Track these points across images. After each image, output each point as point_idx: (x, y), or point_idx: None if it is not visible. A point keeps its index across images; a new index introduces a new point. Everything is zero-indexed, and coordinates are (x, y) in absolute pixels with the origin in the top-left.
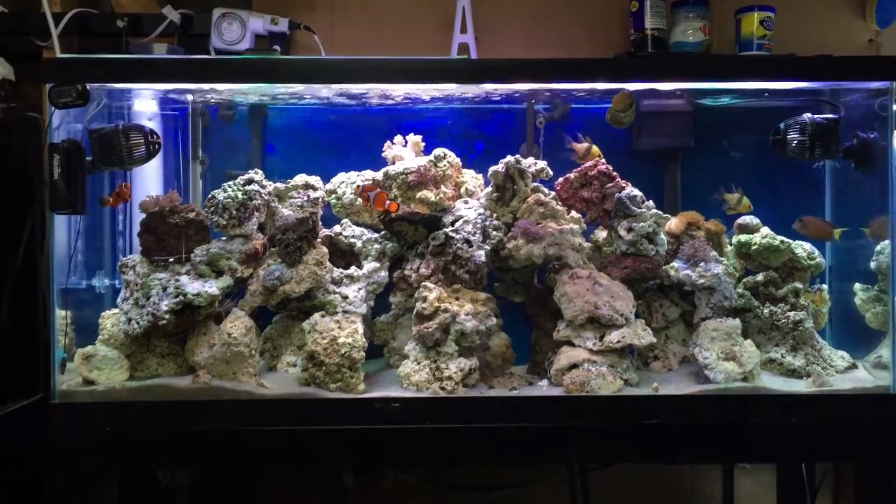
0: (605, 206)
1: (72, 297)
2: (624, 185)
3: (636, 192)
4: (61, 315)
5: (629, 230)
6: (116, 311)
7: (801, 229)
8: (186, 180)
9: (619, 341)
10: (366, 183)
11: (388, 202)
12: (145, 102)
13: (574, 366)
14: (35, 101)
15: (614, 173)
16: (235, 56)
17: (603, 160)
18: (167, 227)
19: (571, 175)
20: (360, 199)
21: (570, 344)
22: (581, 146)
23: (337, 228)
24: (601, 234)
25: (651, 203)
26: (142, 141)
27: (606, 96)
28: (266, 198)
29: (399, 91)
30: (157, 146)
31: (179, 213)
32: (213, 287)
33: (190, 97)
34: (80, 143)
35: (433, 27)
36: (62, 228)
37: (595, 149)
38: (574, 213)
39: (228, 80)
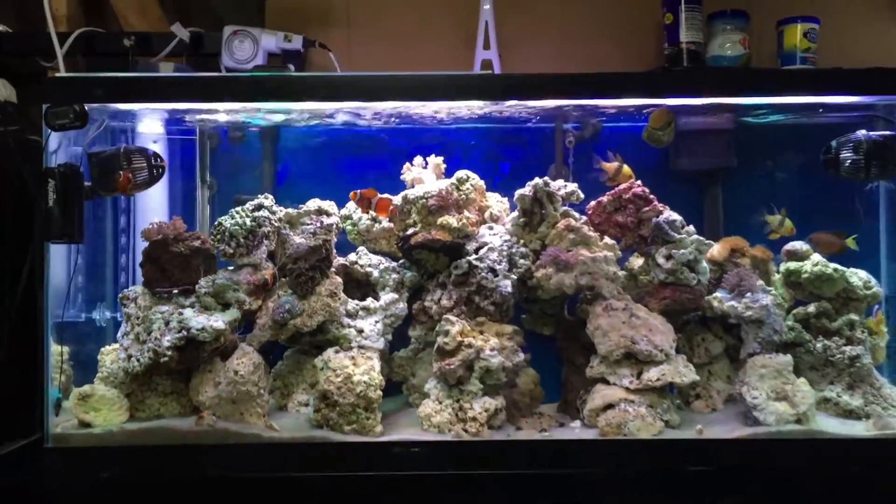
0: (641, 231)
1: (70, 332)
2: (661, 208)
3: (675, 216)
4: (57, 351)
5: (668, 258)
6: (116, 346)
7: (815, 248)
8: (193, 206)
9: (658, 379)
10: (364, 190)
11: (391, 208)
12: (150, 124)
13: (609, 406)
14: (40, 124)
15: (651, 196)
16: (243, 73)
17: (638, 182)
18: (171, 256)
19: (604, 198)
20: (358, 210)
21: (605, 381)
22: (611, 166)
23: (352, 257)
24: (637, 262)
25: (691, 228)
26: (144, 165)
27: (641, 114)
28: (276, 224)
29: (419, 110)
30: (160, 170)
31: (184, 241)
32: (218, 321)
33: (198, 118)
34: (78, 167)
35: (455, 44)
36: (61, 258)
37: (627, 169)
38: (608, 240)
39: (235, 99)
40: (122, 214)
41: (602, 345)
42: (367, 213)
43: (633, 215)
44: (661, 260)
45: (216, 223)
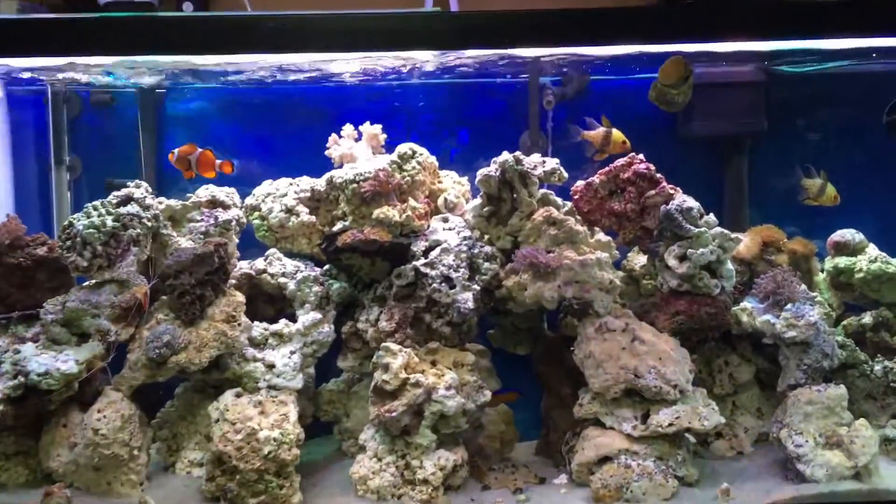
0: (645, 222)
1: None
2: (672, 191)
3: (691, 202)
4: None
5: (682, 258)
6: None
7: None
8: (47, 196)
9: (670, 424)
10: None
11: (218, 162)
12: None
13: (606, 459)
14: None
15: (657, 175)
16: (96, 15)
17: (640, 156)
18: (5, 270)
19: (595, 179)
20: (269, 198)
21: (599, 424)
22: (596, 134)
23: (260, 263)
24: (638, 260)
25: (712, 218)
26: None
27: (642, 63)
28: (150, 224)
29: (348, 65)
30: None
31: (23, 248)
32: (69, 361)
33: (51, 76)
34: None
35: None
36: None
37: (618, 134)
38: (601, 235)
39: (90, 50)
40: None
41: (595, 378)
42: (190, 175)
43: (635, 201)
44: (672, 261)
45: (65, 224)
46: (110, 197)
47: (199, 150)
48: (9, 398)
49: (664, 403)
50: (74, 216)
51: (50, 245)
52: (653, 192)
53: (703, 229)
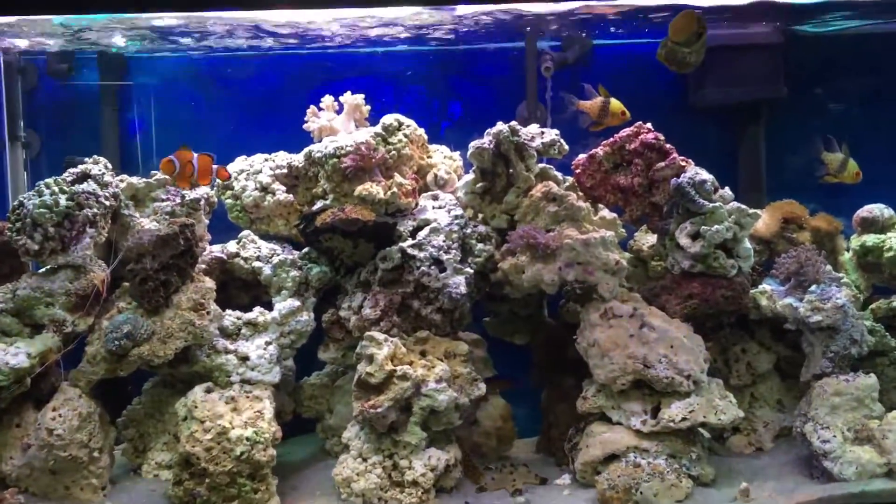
0: (654, 197)
1: None
2: (683, 163)
3: (704, 174)
4: None
5: (695, 236)
6: None
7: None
8: (1, 175)
9: (684, 419)
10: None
11: (215, 168)
12: None
13: (613, 457)
14: None
15: (667, 146)
16: None
17: (648, 125)
18: None
19: (599, 150)
20: (243, 176)
21: (605, 419)
22: (593, 104)
23: (232, 246)
24: (646, 240)
25: (728, 192)
26: None
27: (647, 23)
28: (109, 203)
29: (328, 24)
30: None
31: None
32: (20, 355)
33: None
34: None
35: None
36: None
37: (616, 104)
38: (605, 212)
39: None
40: None
41: (600, 368)
42: (187, 185)
43: (642, 174)
44: (684, 240)
45: (15, 204)
46: (65, 174)
47: (196, 154)
48: None
49: (676, 396)
50: (25, 195)
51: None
52: (662, 164)
53: (717, 204)
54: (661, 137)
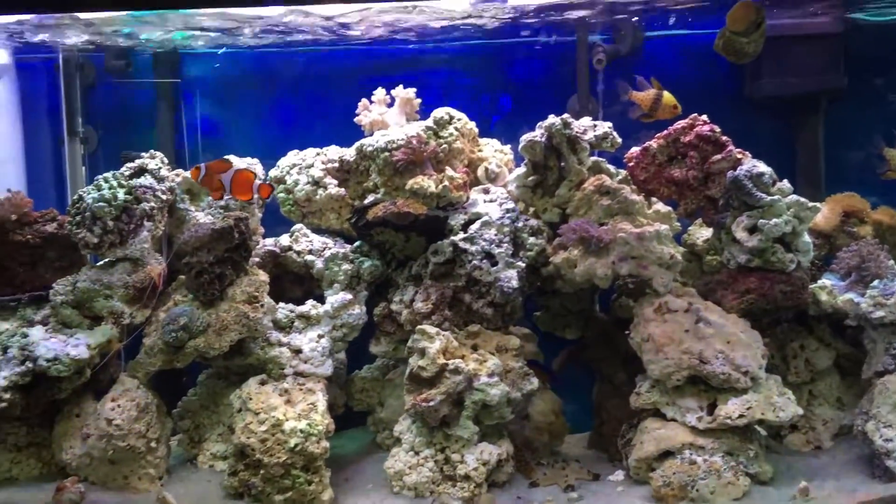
0: (709, 190)
1: None
2: (740, 156)
3: (762, 167)
4: None
5: (752, 230)
6: None
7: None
8: (60, 170)
9: (741, 416)
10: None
11: (257, 184)
12: None
13: (668, 454)
14: None
15: (723, 138)
16: None
17: (703, 117)
18: (12, 247)
19: (653, 143)
20: (295, 170)
21: (659, 415)
22: (645, 95)
23: (285, 240)
24: (700, 234)
25: (786, 185)
26: None
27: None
28: (166, 197)
29: (379, 16)
30: None
31: (31, 224)
32: (80, 346)
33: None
34: None
35: None
36: None
37: (669, 97)
38: (660, 205)
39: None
40: None
41: (655, 363)
42: (219, 196)
43: (697, 167)
44: (741, 234)
45: (75, 198)
46: (123, 168)
47: (234, 168)
48: (16, 385)
49: (733, 392)
50: (84, 189)
51: (59, 221)
52: (718, 156)
53: (776, 198)
54: (717, 129)
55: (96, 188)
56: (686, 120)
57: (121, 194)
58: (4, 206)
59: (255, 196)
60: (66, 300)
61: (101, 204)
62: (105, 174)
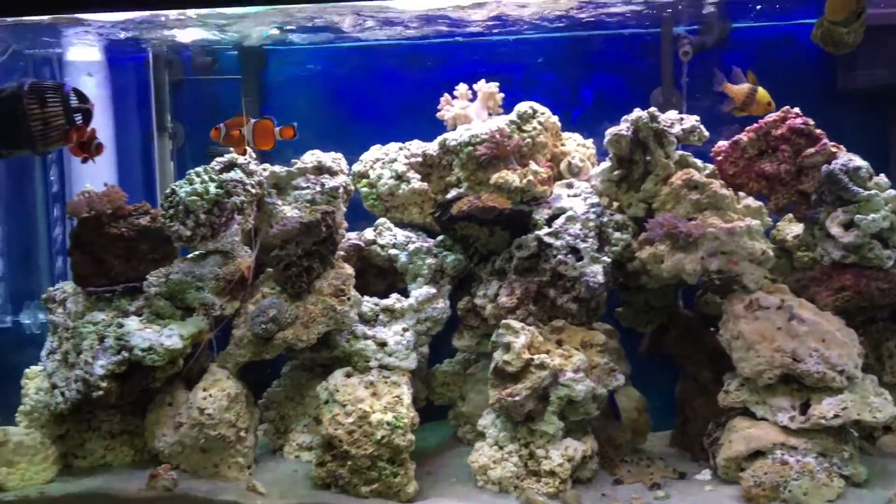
0: (802, 185)
1: None
2: (835, 149)
3: (858, 161)
4: None
5: (848, 226)
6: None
7: None
8: (149, 165)
9: (836, 416)
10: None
11: (277, 129)
12: (83, 49)
13: (758, 453)
14: None
15: (817, 131)
16: None
17: (795, 110)
18: (108, 240)
19: (743, 136)
20: (378, 165)
21: (749, 414)
22: (740, 89)
23: (369, 234)
24: (790, 229)
25: (883, 180)
26: (59, 108)
27: (793, 4)
28: (255, 191)
29: (460, 12)
30: (85, 115)
31: (125, 218)
32: (173, 336)
33: (150, 36)
34: None
35: None
36: None
37: (763, 93)
38: (749, 200)
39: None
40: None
41: (745, 361)
42: (243, 151)
43: (789, 161)
44: (836, 229)
45: (167, 192)
46: (213, 163)
47: (253, 120)
48: (113, 374)
49: (828, 392)
50: (177, 183)
51: (153, 214)
52: (812, 150)
53: (873, 192)
54: (811, 122)
55: (188, 182)
56: (777, 113)
57: (212, 188)
58: (101, 199)
59: (276, 140)
60: (160, 291)
61: (193, 197)
62: (197, 168)
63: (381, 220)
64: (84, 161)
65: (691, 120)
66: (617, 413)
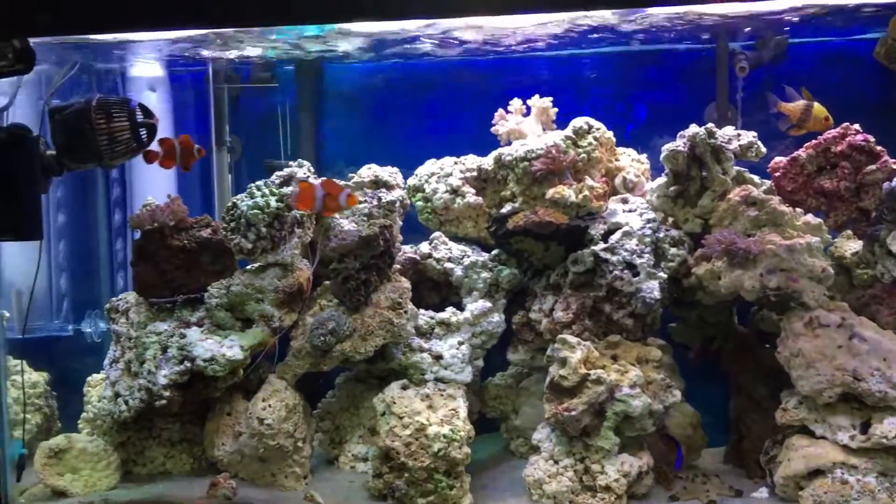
0: (862, 202)
1: (45, 351)
2: None
3: None
4: (26, 382)
5: None
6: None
7: None
8: (208, 178)
9: None
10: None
11: (343, 195)
12: (145, 66)
13: (818, 472)
14: None
15: (878, 148)
16: None
17: (854, 126)
18: (170, 252)
19: (802, 153)
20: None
21: (807, 432)
22: (795, 106)
23: (425, 247)
24: (849, 246)
25: None
26: (126, 123)
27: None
28: None
29: (516, 23)
30: (149, 129)
31: (187, 230)
32: (234, 347)
33: (209, 53)
34: (28, 131)
35: None
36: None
37: (819, 108)
38: (809, 217)
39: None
40: (115, 189)
41: (805, 379)
42: (308, 209)
43: (849, 178)
44: None
45: (229, 205)
46: (273, 177)
47: (328, 181)
48: (175, 384)
49: (889, 411)
50: (238, 197)
51: (214, 227)
52: (872, 167)
53: None
54: (871, 139)
55: (250, 196)
56: (837, 129)
57: (273, 202)
58: (164, 211)
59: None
60: (221, 303)
61: (255, 211)
62: (257, 182)
63: (437, 233)
64: (186, 170)
65: (749, 136)
66: (680, 454)
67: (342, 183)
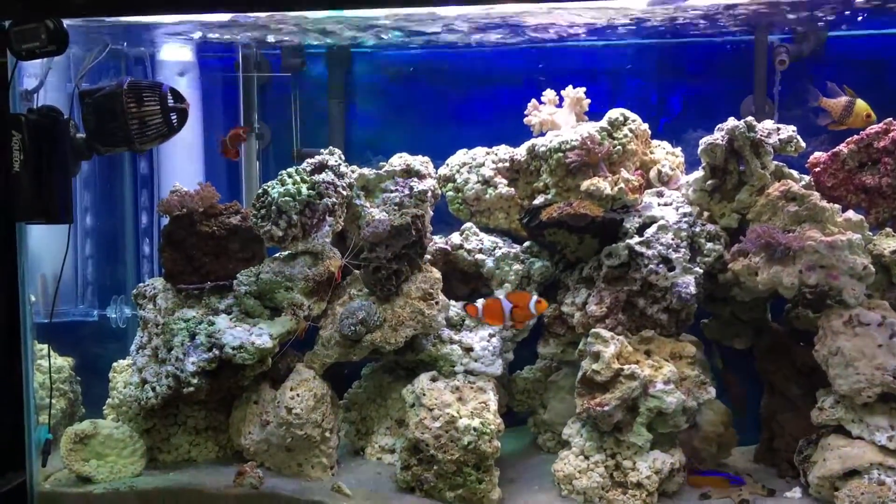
0: None
1: (70, 335)
2: None
3: None
4: (49, 367)
5: None
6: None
7: None
8: (236, 165)
9: None
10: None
11: (532, 302)
12: (175, 49)
13: (854, 473)
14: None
15: None
16: None
17: None
18: (199, 238)
19: (843, 148)
20: (465, 168)
21: (843, 432)
22: (836, 102)
23: (456, 238)
24: (887, 243)
25: None
26: (157, 107)
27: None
28: (346, 193)
29: (547, 17)
30: (180, 114)
31: (216, 217)
32: (263, 335)
33: (240, 37)
34: (60, 114)
35: None
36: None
37: (862, 104)
38: (850, 214)
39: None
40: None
41: (843, 378)
42: (234, 155)
43: (892, 174)
44: None
45: (259, 192)
46: (304, 164)
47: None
48: (203, 371)
49: None
50: (268, 184)
51: (243, 214)
52: None
53: None
54: None
55: (281, 183)
56: (880, 124)
57: (304, 189)
58: (194, 198)
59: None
60: (250, 290)
61: (286, 198)
62: (289, 170)
63: (468, 224)
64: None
65: (788, 130)
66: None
67: (527, 290)
